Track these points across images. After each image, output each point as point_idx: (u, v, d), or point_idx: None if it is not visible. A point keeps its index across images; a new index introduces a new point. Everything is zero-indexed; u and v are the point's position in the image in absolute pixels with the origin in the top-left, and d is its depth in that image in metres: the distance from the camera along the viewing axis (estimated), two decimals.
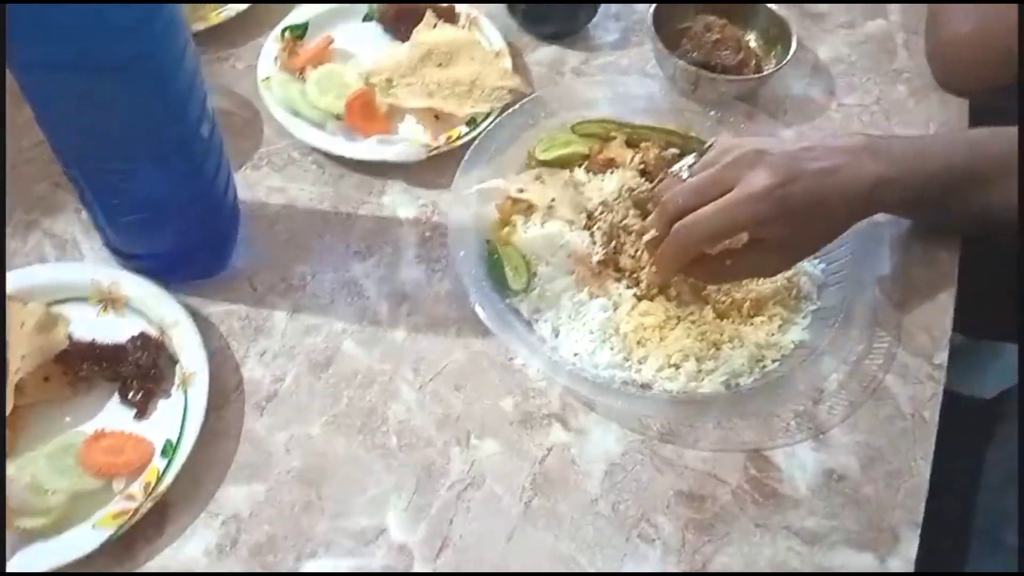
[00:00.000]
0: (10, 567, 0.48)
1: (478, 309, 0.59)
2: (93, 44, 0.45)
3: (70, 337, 0.55)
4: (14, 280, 0.58)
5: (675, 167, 0.62)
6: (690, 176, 0.57)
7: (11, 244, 0.63)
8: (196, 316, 0.59)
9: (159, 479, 0.51)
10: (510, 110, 0.71)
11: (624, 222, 0.64)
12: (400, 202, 0.69)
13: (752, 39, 0.78)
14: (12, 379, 0.52)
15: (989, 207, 0.62)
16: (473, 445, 0.57)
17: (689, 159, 0.61)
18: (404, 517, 0.54)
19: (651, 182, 0.67)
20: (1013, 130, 0.62)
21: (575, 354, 0.60)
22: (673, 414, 0.59)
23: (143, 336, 0.56)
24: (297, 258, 0.64)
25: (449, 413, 0.58)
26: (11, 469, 0.51)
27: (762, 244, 0.56)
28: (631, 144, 0.71)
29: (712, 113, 0.72)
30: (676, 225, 0.56)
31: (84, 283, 0.59)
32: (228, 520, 0.52)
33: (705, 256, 0.58)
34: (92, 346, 0.56)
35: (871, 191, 0.56)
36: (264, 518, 0.53)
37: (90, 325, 0.57)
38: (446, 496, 0.55)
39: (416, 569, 0.52)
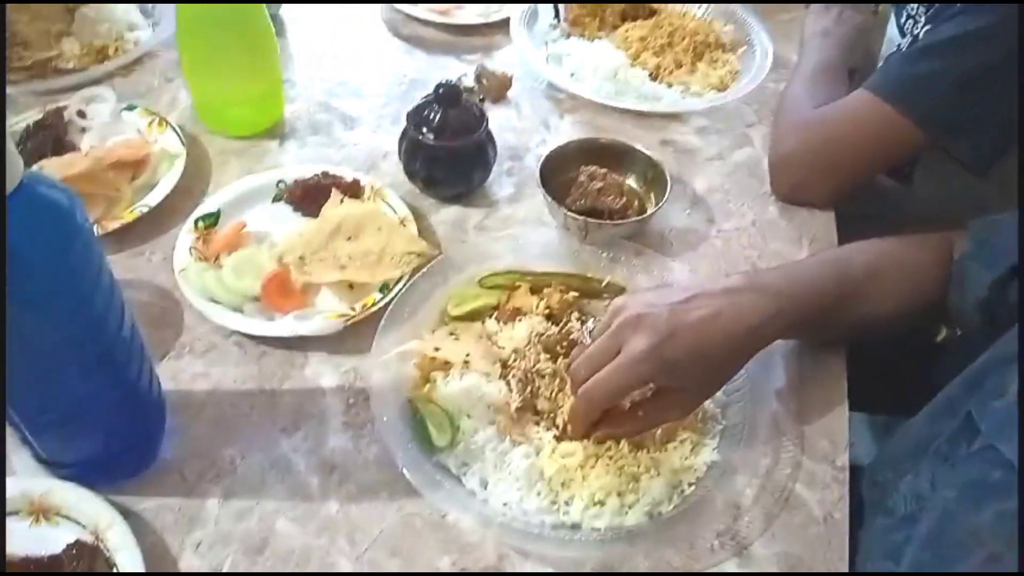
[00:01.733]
0: None
1: (405, 472, 0.64)
2: (11, 283, 0.50)
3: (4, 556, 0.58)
4: None
5: (581, 332, 0.73)
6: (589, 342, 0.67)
7: None
8: (129, 515, 0.62)
9: None
10: (420, 272, 0.79)
11: (537, 367, 0.71)
12: (322, 372, 0.74)
13: (632, 182, 0.90)
14: None
15: (862, 317, 0.72)
16: None
17: (590, 325, 0.72)
18: None
19: (557, 325, 0.75)
20: (873, 242, 0.73)
21: (504, 503, 0.65)
22: (603, 553, 0.64)
23: (78, 543, 0.59)
24: (226, 441, 0.69)
25: None
26: None
27: (664, 393, 0.65)
28: (535, 291, 0.79)
29: (604, 254, 0.82)
30: (579, 391, 0.65)
31: (15, 497, 0.62)
32: None
33: (619, 411, 0.66)
34: (26, 561, 0.58)
35: (756, 329, 0.65)
36: None
37: (23, 539, 0.60)
38: None
39: None
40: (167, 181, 0.88)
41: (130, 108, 0.96)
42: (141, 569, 0.58)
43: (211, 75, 0.93)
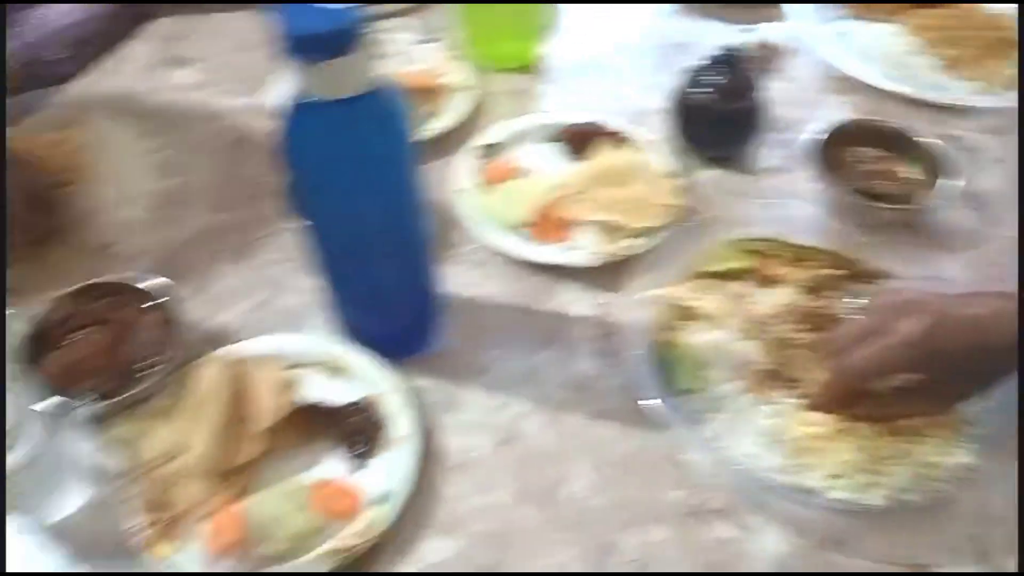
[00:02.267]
0: None
1: (651, 403, 0.68)
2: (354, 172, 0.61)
3: (301, 398, 0.69)
4: (259, 346, 0.72)
5: (843, 309, 0.73)
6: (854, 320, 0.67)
7: (255, 314, 0.79)
8: (405, 387, 0.71)
9: (370, 526, 0.62)
10: (678, 225, 0.83)
11: (791, 335, 0.73)
12: (575, 302, 0.80)
13: (908, 171, 0.87)
14: (257, 430, 0.66)
15: None
16: (646, 529, 0.65)
17: (853, 303, 0.72)
18: None
19: (818, 299, 0.76)
20: None
21: (743, 455, 0.68)
22: (838, 523, 0.65)
23: (363, 401, 0.69)
24: (488, 344, 0.76)
25: (623, 497, 0.66)
26: (248, 506, 0.63)
27: (925, 384, 0.64)
28: (795, 262, 0.80)
29: (873, 238, 0.81)
30: (840, 365, 0.65)
31: (317, 353, 0.73)
32: (425, 570, 0.62)
33: (875, 393, 0.66)
34: (319, 407, 0.69)
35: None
36: (464, 564, 0.62)
37: (319, 387, 0.71)
38: (623, 569, 0.62)
39: None
40: (453, 111, 0.97)
41: (426, 41, 1.07)
42: (412, 433, 0.67)
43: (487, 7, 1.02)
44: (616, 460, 0.69)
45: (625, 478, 0.68)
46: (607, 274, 0.81)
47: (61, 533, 0.64)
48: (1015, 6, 1.06)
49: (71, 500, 0.65)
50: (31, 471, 0.61)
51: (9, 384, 0.61)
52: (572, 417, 0.71)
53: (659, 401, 0.69)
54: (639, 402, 0.70)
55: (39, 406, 0.61)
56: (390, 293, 0.70)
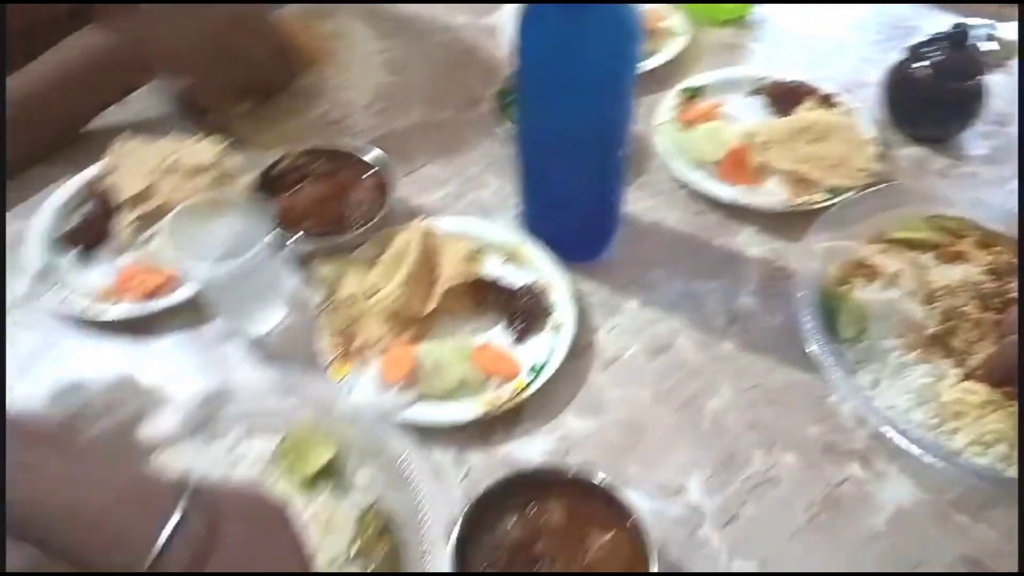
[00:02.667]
0: (412, 415, 0.68)
1: (808, 342, 0.70)
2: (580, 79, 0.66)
3: (482, 272, 0.77)
4: (451, 224, 0.81)
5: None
6: None
7: (452, 200, 0.87)
8: (572, 284, 0.77)
9: (524, 388, 0.69)
10: (870, 189, 0.83)
11: (964, 308, 0.72)
12: (751, 244, 0.83)
13: None
14: (440, 288, 0.74)
15: None
16: (776, 452, 0.67)
17: None
18: (704, 486, 0.65)
19: (997, 281, 0.74)
20: None
21: (889, 407, 0.68)
22: (973, 485, 0.65)
23: (533, 286, 0.76)
24: (655, 264, 0.81)
25: (759, 420, 0.69)
26: (420, 351, 0.72)
27: None
28: (983, 246, 0.78)
29: None
30: (1005, 341, 0.66)
31: (500, 240, 0.80)
32: (564, 437, 0.68)
33: None
34: (496, 282, 0.76)
35: None
36: (590, 446, 0.68)
37: (497, 268, 0.78)
38: (743, 484, 0.66)
39: (704, 531, 0.63)
40: (666, 52, 1.01)
41: None
42: (572, 322, 0.73)
43: None
44: (761, 388, 0.71)
45: (767, 406, 0.70)
46: (787, 222, 0.83)
47: (261, 344, 0.76)
48: None
49: (273, 318, 0.77)
50: (245, 286, 0.72)
51: (242, 211, 0.73)
52: (725, 343, 0.75)
53: (817, 344, 0.71)
54: (796, 343, 0.72)
55: (262, 235, 0.72)
56: (578, 200, 0.77)
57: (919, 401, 0.68)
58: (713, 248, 0.83)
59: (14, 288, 0.80)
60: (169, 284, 0.77)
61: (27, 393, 0.71)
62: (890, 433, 0.66)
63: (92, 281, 0.79)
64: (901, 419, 0.67)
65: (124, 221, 0.81)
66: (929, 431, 0.66)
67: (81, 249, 0.80)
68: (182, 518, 0.47)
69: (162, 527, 0.46)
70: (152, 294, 0.76)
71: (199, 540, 0.47)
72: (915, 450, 0.65)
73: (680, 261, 0.81)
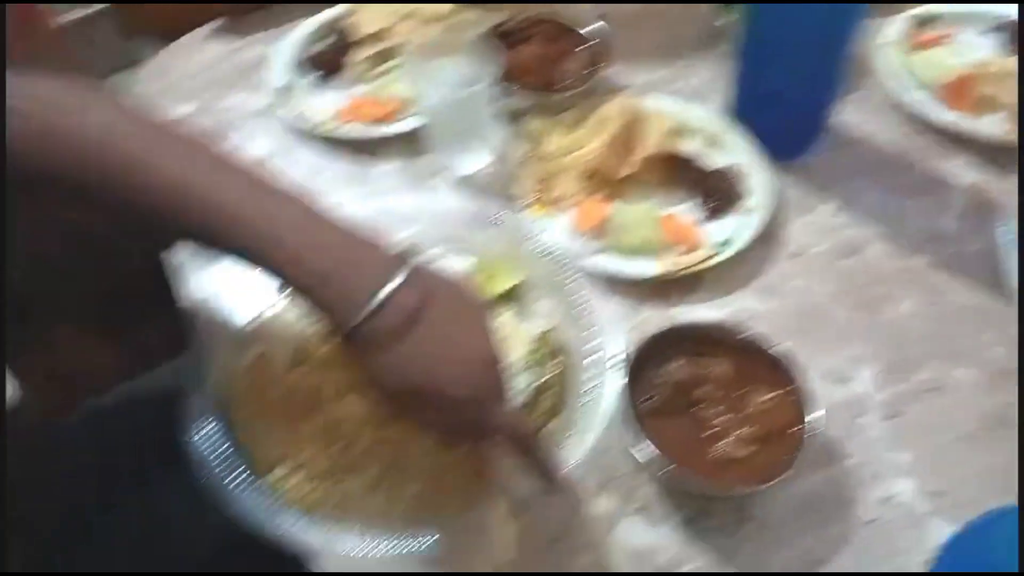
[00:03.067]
0: (597, 262, 0.72)
1: (1006, 273, 0.69)
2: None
3: (681, 149, 0.79)
4: (658, 102, 0.83)
5: None
6: None
7: (664, 83, 0.89)
8: (770, 176, 0.78)
9: (707, 259, 0.72)
10: None
11: None
12: (961, 171, 0.81)
13: None
14: (639, 155, 0.77)
15: None
16: (952, 365, 0.67)
17: None
18: (872, 380, 0.66)
19: None
20: None
21: None
22: None
23: (731, 169, 0.78)
24: (857, 174, 0.81)
25: (941, 332, 0.69)
26: (611, 208, 0.76)
27: None
28: None
29: None
30: None
31: (705, 123, 0.82)
32: (741, 311, 0.71)
33: None
34: (695, 160, 0.79)
35: None
36: (764, 323, 0.69)
37: (694, 150, 0.81)
38: (915, 386, 0.66)
39: (866, 419, 0.64)
40: None
41: None
42: (764, 208, 0.74)
43: None
44: (948, 304, 0.71)
45: (951, 321, 0.70)
46: (1003, 156, 0.80)
47: (467, 182, 0.82)
48: None
49: (480, 160, 0.83)
50: (461, 126, 0.78)
51: (469, 57, 0.78)
52: (918, 258, 0.74)
53: (1008, 274, 0.69)
54: (991, 272, 0.71)
55: (484, 80, 0.77)
56: (791, 97, 0.77)
57: None
58: (921, 169, 0.81)
59: (254, 102, 0.90)
60: (394, 114, 0.84)
61: None
62: None
63: (326, 103, 0.87)
64: None
65: (361, 55, 0.89)
66: None
67: (320, 75, 0.89)
68: (400, 284, 0.52)
69: (382, 286, 0.52)
70: (378, 121, 0.84)
71: (410, 309, 0.52)
72: None
73: (884, 175, 0.81)
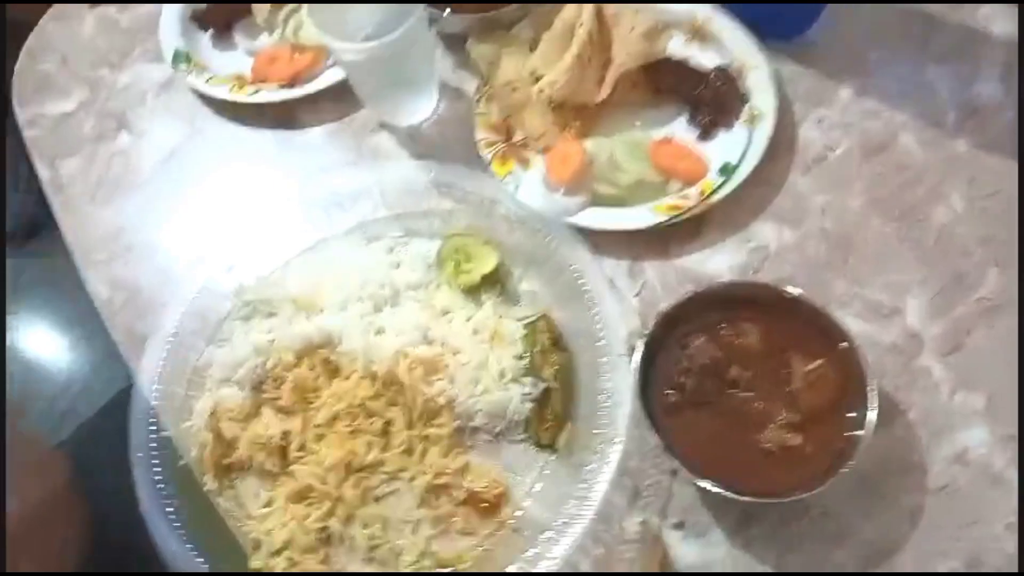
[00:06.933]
0: (582, 219, 0.61)
1: None
2: None
3: (665, 51, 0.66)
4: None
5: None
6: None
7: None
8: (773, 68, 0.65)
9: (713, 191, 0.60)
10: None
11: None
12: (995, 18, 0.67)
13: None
14: (614, 72, 0.64)
15: None
16: (1011, 273, 0.57)
17: None
18: (924, 308, 0.57)
19: None
20: None
21: None
22: None
23: (724, 69, 0.65)
24: (874, 45, 0.67)
25: (995, 235, 0.59)
26: (588, 147, 0.64)
27: None
28: None
29: None
30: None
31: (682, 13, 0.68)
32: (757, 249, 0.61)
33: None
34: (681, 64, 0.66)
35: None
36: (788, 259, 0.60)
37: (677, 50, 0.67)
38: (972, 307, 0.57)
39: (923, 360, 0.56)
40: None
41: None
42: (772, 112, 0.62)
43: None
44: (1000, 196, 0.60)
45: (1001, 215, 0.59)
46: None
47: (414, 136, 0.70)
48: None
49: (424, 107, 0.70)
50: (393, 70, 0.64)
51: None
52: (959, 142, 0.63)
53: None
54: None
55: (411, 10, 0.62)
56: None
57: None
58: (948, 26, 0.68)
59: (153, 74, 0.76)
60: (311, 68, 0.71)
61: (172, 180, 0.70)
62: None
63: (230, 64, 0.73)
64: None
65: None
66: None
67: (215, 32, 0.75)
68: None
69: None
70: (294, 80, 0.70)
71: None
72: None
73: (906, 41, 0.67)
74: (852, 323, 0.55)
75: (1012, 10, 0.67)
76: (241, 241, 0.64)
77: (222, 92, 0.71)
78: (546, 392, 0.55)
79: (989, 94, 0.64)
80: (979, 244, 0.59)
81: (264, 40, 0.74)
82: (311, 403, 0.56)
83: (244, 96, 0.70)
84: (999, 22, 0.67)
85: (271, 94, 0.70)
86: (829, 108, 0.65)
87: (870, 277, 0.58)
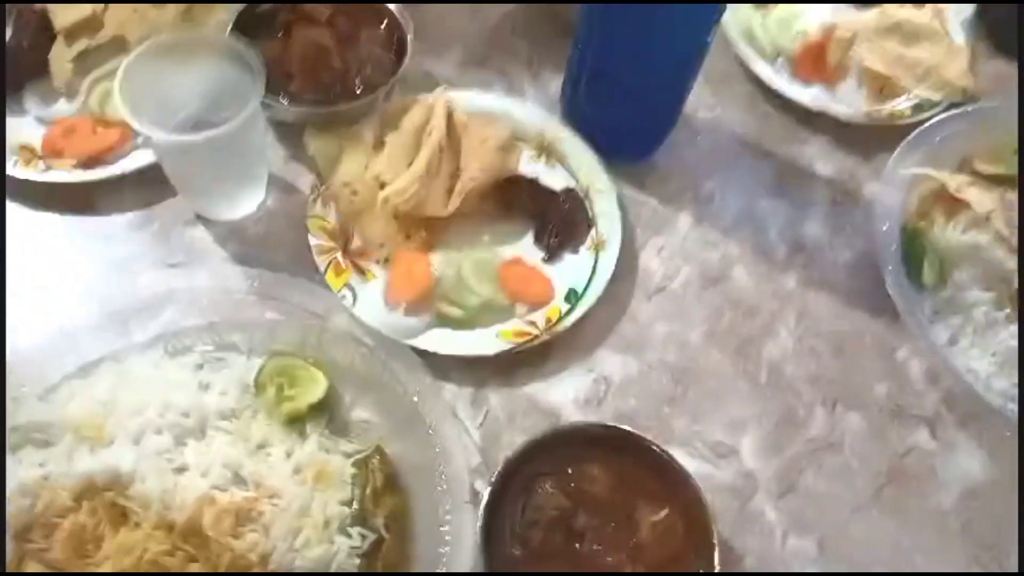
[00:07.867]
0: (424, 342, 0.56)
1: (890, 288, 0.61)
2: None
3: (517, 168, 0.64)
4: (481, 101, 0.67)
5: None
6: None
7: (476, 69, 0.72)
8: (618, 193, 0.64)
9: (560, 319, 0.58)
10: (957, 109, 0.71)
11: None
12: (821, 157, 0.71)
13: None
14: (466, 186, 0.61)
15: None
16: (838, 413, 0.59)
17: None
18: (758, 447, 0.58)
19: None
20: None
21: (968, 370, 0.61)
22: None
23: (572, 191, 0.64)
24: (711, 173, 0.69)
25: (822, 374, 0.61)
26: (435, 262, 0.60)
27: None
28: None
29: None
30: None
31: (531, 128, 0.67)
32: (600, 379, 0.59)
33: None
34: (533, 182, 0.64)
35: None
36: (631, 391, 0.59)
37: (524, 166, 0.65)
38: (802, 447, 0.58)
39: (757, 502, 0.56)
40: None
41: None
42: (618, 238, 0.62)
43: None
44: (825, 335, 0.63)
45: (830, 356, 0.62)
46: (864, 136, 0.72)
47: (236, 233, 0.62)
48: None
49: (250, 201, 0.63)
50: (217, 157, 0.57)
51: (216, 58, 0.57)
52: (789, 277, 0.65)
53: (893, 289, 0.62)
54: (865, 283, 0.64)
55: (241, 92, 0.56)
56: (643, 87, 0.62)
57: (1003, 365, 0.60)
58: (778, 159, 0.71)
59: None
60: (118, 147, 0.62)
61: None
62: (968, 399, 0.59)
63: (17, 132, 0.63)
64: (980, 385, 0.60)
65: (61, 57, 0.64)
66: (1011, 401, 0.59)
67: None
68: None
69: None
70: (95, 159, 0.61)
71: None
72: (996, 421, 0.58)
73: (740, 172, 0.70)
74: (692, 464, 0.55)
75: (835, 151, 0.72)
76: (14, 349, 0.54)
77: (5, 166, 0.60)
78: (378, 542, 0.49)
79: (813, 233, 0.67)
80: (807, 382, 0.60)
81: (62, 107, 0.64)
82: (90, 557, 0.47)
83: (33, 172, 0.60)
84: (822, 162, 0.71)
85: (66, 174, 0.60)
86: (670, 235, 0.66)
87: (709, 413, 0.58)
